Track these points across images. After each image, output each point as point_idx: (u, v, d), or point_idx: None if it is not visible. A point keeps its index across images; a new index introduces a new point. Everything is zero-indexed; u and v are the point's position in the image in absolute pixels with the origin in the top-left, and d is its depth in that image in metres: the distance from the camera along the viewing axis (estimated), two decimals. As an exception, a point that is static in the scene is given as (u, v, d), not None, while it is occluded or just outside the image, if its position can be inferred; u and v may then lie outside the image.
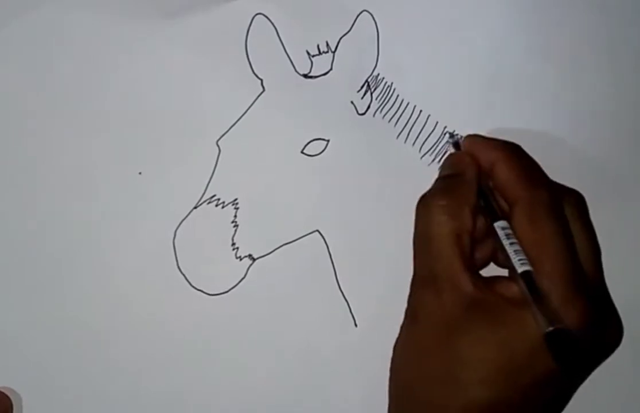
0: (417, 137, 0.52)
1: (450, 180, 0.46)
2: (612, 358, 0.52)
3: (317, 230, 0.52)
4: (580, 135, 0.52)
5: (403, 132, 0.52)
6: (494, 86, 0.52)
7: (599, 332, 0.42)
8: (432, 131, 0.52)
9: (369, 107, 0.52)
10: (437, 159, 0.51)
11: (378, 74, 0.52)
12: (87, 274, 0.50)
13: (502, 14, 0.52)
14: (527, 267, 0.41)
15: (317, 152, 0.52)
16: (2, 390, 0.49)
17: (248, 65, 0.51)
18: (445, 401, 0.42)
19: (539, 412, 0.42)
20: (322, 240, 0.52)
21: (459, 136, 0.50)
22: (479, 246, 0.45)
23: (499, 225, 0.43)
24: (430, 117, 0.52)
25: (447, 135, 0.51)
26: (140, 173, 0.51)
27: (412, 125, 0.52)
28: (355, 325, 0.52)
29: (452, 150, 0.50)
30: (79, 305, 0.50)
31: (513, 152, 0.45)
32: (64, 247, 0.50)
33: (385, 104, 0.52)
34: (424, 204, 0.45)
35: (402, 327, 0.45)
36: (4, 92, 0.50)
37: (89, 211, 0.50)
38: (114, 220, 0.50)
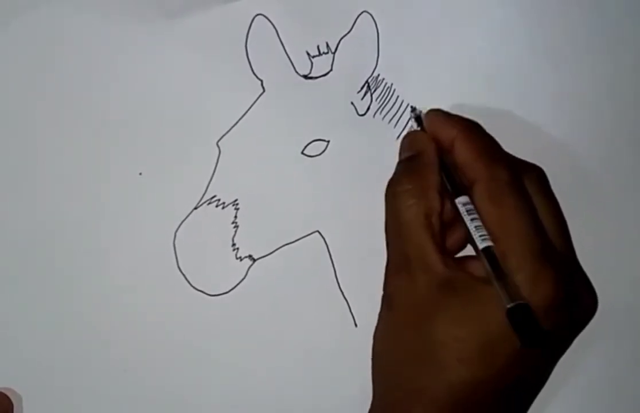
0: (417, 138, 0.52)
1: (412, 162, 0.45)
2: (613, 358, 0.53)
3: (317, 231, 0.52)
4: (580, 134, 0.53)
5: (403, 132, 0.52)
6: (494, 86, 0.52)
7: (572, 304, 0.42)
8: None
9: (369, 107, 0.52)
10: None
11: (378, 75, 0.52)
12: (88, 274, 0.50)
13: (502, 14, 0.52)
14: (487, 243, 0.41)
15: (318, 153, 0.52)
16: (2, 390, 0.49)
17: (248, 66, 0.51)
18: (426, 383, 0.42)
19: (516, 389, 0.42)
20: (322, 240, 0.52)
21: (419, 110, 0.49)
22: (454, 229, 0.45)
23: (460, 201, 0.43)
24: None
25: (410, 108, 0.51)
26: (140, 173, 0.51)
27: (412, 126, 0.52)
28: (355, 325, 0.52)
29: (414, 124, 0.49)
30: (79, 305, 0.50)
31: (472, 129, 0.45)
32: (64, 247, 0.50)
33: (386, 105, 0.52)
34: (391, 190, 0.45)
35: (379, 315, 0.45)
36: (4, 92, 0.50)
37: (89, 211, 0.50)
38: (114, 220, 0.50)
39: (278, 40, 0.51)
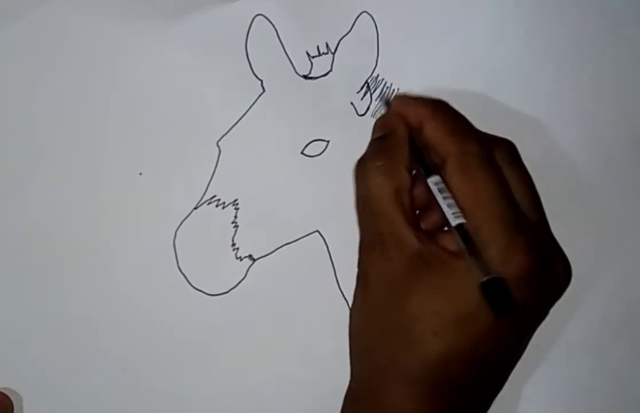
0: (417, 138, 0.52)
1: (382, 140, 0.45)
2: (613, 359, 0.53)
3: (317, 231, 0.52)
4: (580, 134, 0.53)
5: (403, 132, 0.52)
6: (494, 86, 0.52)
7: (546, 274, 0.42)
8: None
9: (368, 108, 0.52)
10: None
11: (378, 75, 0.52)
12: (88, 274, 0.50)
13: (502, 14, 0.52)
14: (460, 220, 0.42)
15: (317, 153, 0.52)
16: (2, 390, 0.49)
17: (248, 66, 0.51)
18: (402, 358, 0.42)
19: (492, 361, 0.43)
20: (322, 240, 0.52)
21: (388, 95, 0.49)
22: (430, 211, 0.45)
23: (431, 180, 0.43)
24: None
25: (378, 92, 0.51)
26: (140, 173, 0.51)
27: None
28: (355, 325, 0.52)
29: (384, 109, 0.49)
30: (79, 305, 0.50)
31: (439, 107, 0.45)
32: (64, 247, 0.50)
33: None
34: (361, 167, 0.45)
35: (354, 294, 0.45)
36: (4, 92, 0.50)
37: (90, 211, 0.50)
38: (114, 220, 0.50)
39: (278, 40, 0.51)
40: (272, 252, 0.51)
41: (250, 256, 0.51)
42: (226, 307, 0.51)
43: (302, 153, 0.52)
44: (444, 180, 0.43)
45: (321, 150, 0.52)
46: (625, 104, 0.52)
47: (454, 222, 0.42)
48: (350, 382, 0.46)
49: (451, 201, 0.42)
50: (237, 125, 0.51)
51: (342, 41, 0.52)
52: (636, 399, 0.53)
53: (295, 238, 0.52)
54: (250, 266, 0.51)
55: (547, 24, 0.52)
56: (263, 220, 0.51)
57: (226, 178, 0.51)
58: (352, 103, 0.52)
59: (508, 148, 0.45)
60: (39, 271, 0.50)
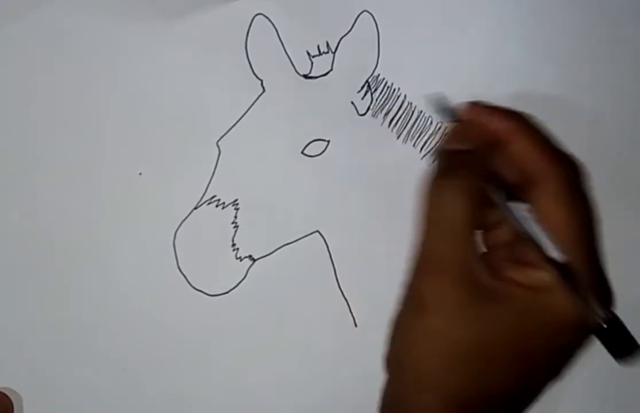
0: (418, 138, 0.52)
1: (460, 155, 0.42)
2: (613, 359, 0.52)
3: (317, 231, 0.52)
4: (580, 134, 0.52)
5: (403, 132, 0.52)
6: (494, 86, 0.52)
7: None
8: (433, 131, 0.52)
9: (369, 107, 0.52)
10: (438, 160, 0.51)
11: (378, 75, 0.52)
12: (88, 274, 0.50)
13: (502, 14, 0.52)
14: (555, 253, 0.38)
15: (318, 153, 0.52)
16: (2, 390, 0.49)
17: (248, 65, 0.51)
18: (465, 388, 0.40)
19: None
20: (322, 240, 0.52)
21: (446, 101, 0.45)
22: (493, 228, 0.42)
23: (516, 205, 0.40)
24: (431, 118, 0.51)
25: (428, 98, 0.46)
26: (140, 173, 0.51)
27: (413, 126, 0.52)
28: (355, 325, 0.52)
29: (439, 116, 0.45)
30: (79, 305, 0.50)
31: (528, 120, 0.41)
32: (64, 247, 0.50)
33: (386, 105, 0.52)
34: (435, 183, 0.41)
35: (401, 313, 0.42)
36: (4, 92, 0.50)
37: (89, 211, 0.50)
38: (114, 220, 0.50)
39: (278, 39, 0.51)
40: (272, 252, 0.51)
41: (250, 256, 0.51)
42: (226, 307, 0.51)
43: (302, 153, 0.52)
44: (531, 206, 0.40)
45: (321, 150, 0.52)
46: (625, 104, 0.52)
47: (548, 254, 0.38)
48: (387, 386, 0.43)
49: (542, 231, 0.39)
50: (237, 125, 0.51)
51: (342, 40, 0.52)
52: (636, 399, 0.53)
53: (295, 238, 0.52)
54: (250, 266, 0.51)
55: (547, 24, 0.51)
56: (263, 221, 0.51)
57: (226, 178, 0.51)
58: (352, 102, 0.52)
59: (585, 172, 0.42)
60: (38, 271, 0.50)
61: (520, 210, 0.40)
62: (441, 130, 0.51)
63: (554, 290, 0.38)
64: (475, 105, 0.43)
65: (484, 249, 0.42)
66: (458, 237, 0.39)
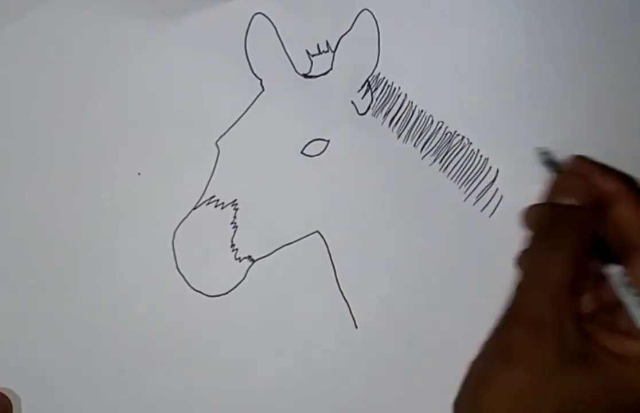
0: (418, 137, 0.51)
1: (567, 211, 0.42)
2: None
3: (317, 231, 0.52)
4: (580, 135, 0.52)
5: (404, 132, 0.51)
6: (494, 85, 0.51)
7: None
8: (434, 131, 0.51)
9: (369, 106, 0.52)
10: (439, 159, 0.51)
11: (379, 74, 0.52)
12: (87, 275, 0.50)
13: (502, 14, 0.51)
14: None
15: (317, 153, 0.51)
16: (2, 391, 0.49)
17: (247, 65, 0.51)
18: None
19: None
20: (322, 240, 0.52)
21: (549, 153, 0.45)
22: (592, 288, 0.42)
23: (616, 271, 0.40)
24: (431, 117, 0.51)
25: (536, 151, 0.47)
26: (139, 173, 0.51)
27: (413, 125, 0.51)
28: (355, 325, 0.52)
29: (543, 166, 0.45)
30: (78, 305, 0.50)
31: (634, 183, 0.42)
32: (63, 248, 0.50)
33: (386, 104, 0.51)
34: (543, 244, 0.41)
35: (483, 359, 0.42)
36: (4, 92, 0.50)
37: (88, 211, 0.50)
38: (113, 220, 0.51)
39: (277, 38, 0.51)
40: (272, 252, 0.51)
41: (249, 257, 0.51)
42: (225, 308, 0.51)
43: (302, 153, 0.51)
44: (628, 270, 0.40)
45: (321, 150, 0.51)
46: (625, 104, 0.51)
47: None
48: None
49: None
50: (237, 124, 0.51)
51: (342, 39, 0.51)
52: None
53: (295, 238, 0.51)
54: (249, 267, 0.51)
55: (547, 24, 0.51)
56: (262, 221, 0.51)
57: (225, 178, 0.51)
58: (352, 102, 0.52)
59: None
60: (38, 271, 0.50)
61: (620, 276, 0.40)
62: (441, 130, 0.51)
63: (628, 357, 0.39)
64: (584, 161, 0.43)
65: (579, 308, 0.42)
66: (558, 298, 0.39)
